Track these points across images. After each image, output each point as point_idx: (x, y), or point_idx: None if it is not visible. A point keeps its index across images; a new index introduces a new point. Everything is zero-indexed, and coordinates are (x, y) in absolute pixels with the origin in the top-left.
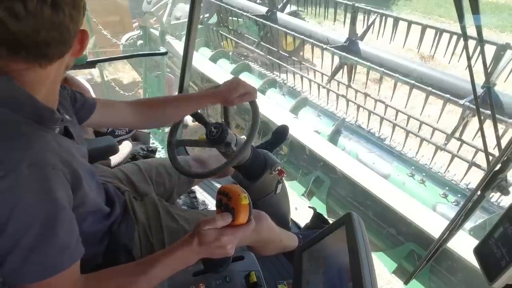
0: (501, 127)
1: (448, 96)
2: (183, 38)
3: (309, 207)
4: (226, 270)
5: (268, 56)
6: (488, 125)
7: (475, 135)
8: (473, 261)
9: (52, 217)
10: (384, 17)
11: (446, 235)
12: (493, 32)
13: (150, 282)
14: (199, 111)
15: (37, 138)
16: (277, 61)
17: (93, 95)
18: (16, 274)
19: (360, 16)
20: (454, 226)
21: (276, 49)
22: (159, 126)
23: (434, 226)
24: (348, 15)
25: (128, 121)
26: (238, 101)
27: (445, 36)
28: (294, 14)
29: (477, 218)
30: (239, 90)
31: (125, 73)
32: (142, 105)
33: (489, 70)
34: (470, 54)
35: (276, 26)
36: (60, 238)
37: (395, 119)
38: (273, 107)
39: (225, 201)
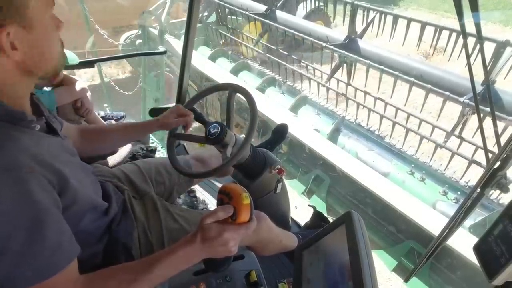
0: (500, 125)
1: (448, 93)
2: (182, 37)
3: (309, 205)
4: (226, 269)
5: (267, 54)
6: (487, 122)
7: (475, 132)
8: (473, 258)
9: (35, 220)
10: (383, 15)
11: (446, 232)
12: (497, 26)
13: (151, 281)
14: (198, 110)
15: (8, 141)
16: (277, 59)
17: (89, 94)
18: (10, 280)
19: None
20: (454, 224)
21: (275, 47)
22: (104, 152)
23: (434, 224)
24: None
25: (76, 146)
26: (175, 123)
27: (446, 33)
28: (317, 10)
29: (477, 216)
30: (177, 112)
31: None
32: (90, 132)
33: (488, 68)
34: (470, 52)
35: (275, 24)
36: (48, 240)
37: (395, 117)
38: (272, 106)
39: (226, 201)
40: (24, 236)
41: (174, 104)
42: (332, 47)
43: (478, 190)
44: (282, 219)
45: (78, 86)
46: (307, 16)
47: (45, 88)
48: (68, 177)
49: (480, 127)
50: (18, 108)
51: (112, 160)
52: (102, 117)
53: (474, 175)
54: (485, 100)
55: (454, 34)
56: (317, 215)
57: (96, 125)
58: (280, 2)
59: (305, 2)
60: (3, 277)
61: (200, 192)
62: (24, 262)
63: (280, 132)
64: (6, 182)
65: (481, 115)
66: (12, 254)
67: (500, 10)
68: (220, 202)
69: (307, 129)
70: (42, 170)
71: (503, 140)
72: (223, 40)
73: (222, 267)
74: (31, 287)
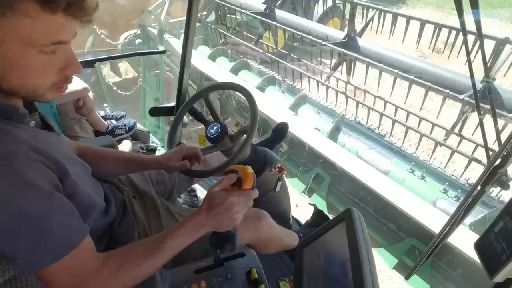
0: (500, 122)
1: (447, 91)
2: (182, 37)
3: (310, 204)
4: (227, 267)
5: (267, 53)
6: (488, 120)
7: (475, 130)
8: (474, 255)
9: (40, 204)
10: (382, 13)
11: (446, 230)
12: (504, 23)
13: (165, 253)
14: (198, 109)
15: (4, 134)
16: (277, 58)
17: (91, 94)
18: (29, 262)
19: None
20: (454, 221)
21: (274, 47)
22: (98, 178)
23: (434, 222)
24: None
25: None
26: (179, 167)
27: (446, 31)
28: (333, 8)
29: (477, 213)
30: (181, 153)
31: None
32: (87, 154)
33: (488, 65)
34: (470, 49)
35: (275, 23)
36: (57, 221)
37: (395, 115)
38: (272, 105)
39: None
40: (31, 221)
41: (174, 104)
42: (331, 45)
43: (479, 187)
44: (283, 218)
45: (80, 85)
46: (325, 14)
47: None
48: (68, 169)
49: (481, 125)
50: (11, 102)
51: None
52: (102, 117)
53: (475, 172)
54: (484, 97)
55: (453, 32)
56: (317, 213)
57: (96, 149)
58: (280, 1)
59: (321, 0)
60: (22, 261)
61: (200, 191)
62: (37, 245)
63: (280, 130)
64: (6, 170)
65: (481, 113)
66: (24, 239)
67: (506, 7)
68: None
69: (307, 128)
70: (40, 157)
71: (503, 137)
72: (222, 39)
73: (228, 243)
74: (50, 266)
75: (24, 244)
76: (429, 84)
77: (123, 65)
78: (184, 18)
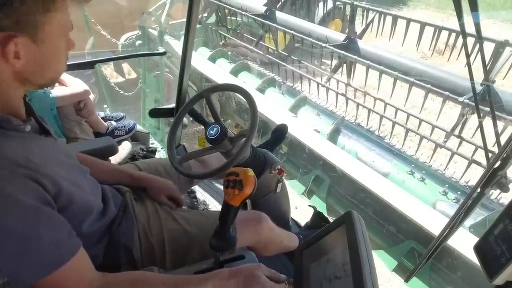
0: (500, 124)
1: (447, 93)
2: (182, 38)
3: (309, 206)
4: (232, 251)
5: (267, 55)
6: (487, 122)
7: (475, 132)
8: (473, 258)
9: (23, 219)
10: (382, 15)
11: (446, 232)
12: (505, 24)
13: None
14: (197, 110)
15: None
16: (277, 60)
17: (92, 96)
18: (17, 277)
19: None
20: (454, 224)
21: (275, 49)
22: None
23: (434, 224)
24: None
25: None
26: (163, 202)
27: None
28: (335, 9)
29: (477, 215)
30: (168, 191)
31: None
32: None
33: (488, 67)
34: (470, 51)
35: (275, 25)
36: (44, 237)
37: (395, 117)
38: (272, 106)
39: (233, 178)
40: (17, 237)
41: (173, 105)
42: (331, 47)
43: (478, 189)
44: (282, 219)
45: (81, 88)
46: (326, 15)
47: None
48: (60, 178)
49: (480, 127)
50: (4, 113)
51: (112, 160)
52: (102, 118)
53: (474, 175)
54: (484, 100)
55: (453, 34)
56: (317, 215)
57: (88, 158)
58: (280, 3)
59: (324, 1)
60: (9, 275)
61: (200, 192)
62: (24, 260)
63: (280, 132)
64: None
65: (481, 115)
66: (10, 254)
67: (508, 8)
68: (226, 183)
69: (307, 130)
70: (28, 172)
71: (502, 139)
72: (223, 41)
73: (227, 246)
74: (39, 281)
75: (7, 259)
76: (428, 86)
77: (126, 66)
78: (185, 19)
